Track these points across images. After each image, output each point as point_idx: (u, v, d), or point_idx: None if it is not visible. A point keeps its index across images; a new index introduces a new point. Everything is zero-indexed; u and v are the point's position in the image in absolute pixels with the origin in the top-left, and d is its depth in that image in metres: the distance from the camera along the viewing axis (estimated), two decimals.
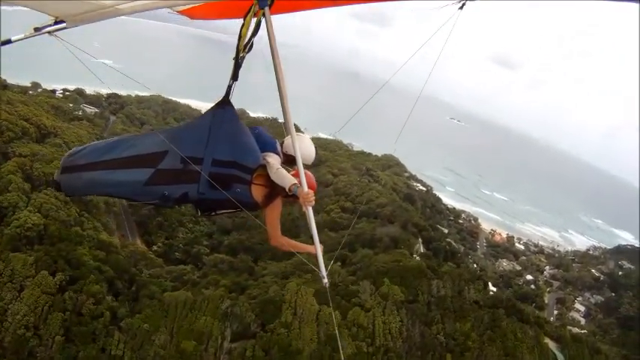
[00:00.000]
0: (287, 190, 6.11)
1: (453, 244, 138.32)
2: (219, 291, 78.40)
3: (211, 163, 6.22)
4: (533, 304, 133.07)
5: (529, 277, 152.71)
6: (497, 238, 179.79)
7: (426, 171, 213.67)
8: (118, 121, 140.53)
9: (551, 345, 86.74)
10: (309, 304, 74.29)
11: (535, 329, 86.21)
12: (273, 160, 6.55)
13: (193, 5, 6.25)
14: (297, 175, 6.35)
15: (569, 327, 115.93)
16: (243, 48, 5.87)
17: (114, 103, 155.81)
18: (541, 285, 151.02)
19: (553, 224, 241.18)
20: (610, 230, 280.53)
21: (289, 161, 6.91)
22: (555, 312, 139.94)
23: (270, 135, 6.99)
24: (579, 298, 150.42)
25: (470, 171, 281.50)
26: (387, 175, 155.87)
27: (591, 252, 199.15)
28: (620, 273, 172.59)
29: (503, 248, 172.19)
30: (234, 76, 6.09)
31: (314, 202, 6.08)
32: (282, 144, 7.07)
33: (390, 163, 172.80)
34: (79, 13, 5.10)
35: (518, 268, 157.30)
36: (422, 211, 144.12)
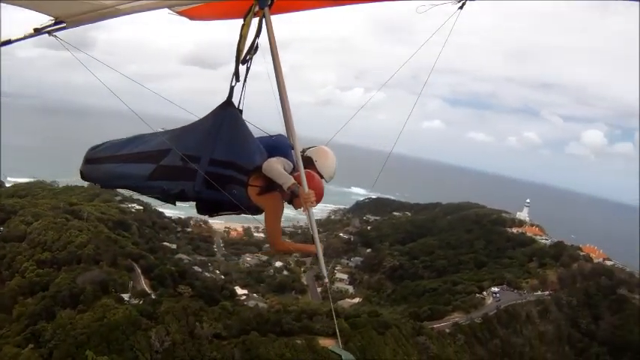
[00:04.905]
0: (286, 189, 5.99)
1: (185, 258, 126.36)
2: None
3: (209, 163, 6.24)
4: (293, 291, 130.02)
5: (278, 263, 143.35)
6: (234, 234, 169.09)
7: None
8: None
9: (333, 346, 73.97)
10: None
11: (304, 337, 75.21)
12: (275, 160, 6.27)
13: (193, 5, 6.08)
14: (301, 177, 6.20)
15: (339, 302, 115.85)
16: (249, 49, 5.92)
17: None
18: (293, 267, 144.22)
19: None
20: (342, 191, 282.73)
21: (307, 169, 6.53)
22: (319, 290, 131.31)
23: (288, 143, 6.66)
24: (338, 267, 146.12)
25: None
26: (93, 206, 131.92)
27: (333, 217, 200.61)
28: (369, 227, 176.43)
29: (243, 243, 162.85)
30: (237, 78, 6.11)
31: (315, 202, 6.06)
32: (302, 152, 6.80)
33: (97, 192, 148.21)
34: (80, 14, 5.28)
35: (265, 258, 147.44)
36: (140, 235, 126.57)
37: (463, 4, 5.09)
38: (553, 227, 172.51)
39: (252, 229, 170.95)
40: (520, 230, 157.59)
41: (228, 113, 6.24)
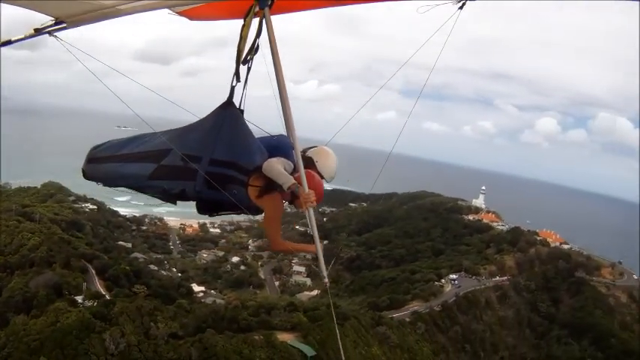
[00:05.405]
0: (286, 189, 6.00)
1: (141, 257, 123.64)
2: None
3: (209, 163, 6.24)
4: (251, 286, 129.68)
5: (235, 258, 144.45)
6: (190, 230, 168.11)
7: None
8: None
9: (292, 340, 74.07)
10: None
11: (262, 333, 72.54)
12: (275, 160, 6.27)
13: (194, 6, 6.12)
14: (301, 177, 6.21)
15: (297, 295, 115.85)
16: (250, 50, 5.99)
17: None
18: (250, 262, 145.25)
19: None
20: None
21: (308, 169, 6.55)
22: (277, 284, 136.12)
23: (289, 143, 6.70)
24: (295, 260, 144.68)
25: None
26: (46, 207, 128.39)
27: (289, 209, 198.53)
28: (325, 219, 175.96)
29: (199, 239, 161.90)
30: (237, 78, 6.17)
31: (315, 203, 6.07)
32: (303, 152, 6.93)
33: (51, 192, 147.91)
34: (80, 14, 5.28)
35: (221, 253, 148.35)
36: (94, 235, 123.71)
37: (463, 4, 5.13)
38: (509, 213, 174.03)
39: (208, 225, 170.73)
40: (476, 217, 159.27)
41: (228, 113, 6.29)
